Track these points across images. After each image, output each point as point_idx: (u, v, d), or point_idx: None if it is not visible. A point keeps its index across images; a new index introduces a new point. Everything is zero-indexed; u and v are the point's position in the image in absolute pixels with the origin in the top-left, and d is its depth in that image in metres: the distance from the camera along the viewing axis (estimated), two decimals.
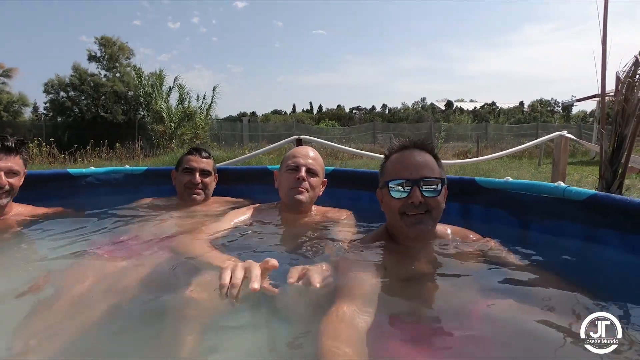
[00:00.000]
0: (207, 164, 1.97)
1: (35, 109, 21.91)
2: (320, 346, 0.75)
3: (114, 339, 0.89)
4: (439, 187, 1.15)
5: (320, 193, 1.69)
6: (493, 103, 47.89)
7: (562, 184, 1.37)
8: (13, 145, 1.58)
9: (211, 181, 2.00)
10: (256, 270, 0.87)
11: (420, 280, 1.12)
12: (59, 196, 2.08)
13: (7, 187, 1.56)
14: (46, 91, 18.06)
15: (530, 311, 0.95)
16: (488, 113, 39.60)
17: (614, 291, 1.03)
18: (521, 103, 46.35)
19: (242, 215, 1.60)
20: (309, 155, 1.63)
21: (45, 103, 18.84)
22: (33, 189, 1.75)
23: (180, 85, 13.30)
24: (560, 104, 39.07)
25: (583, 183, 5.77)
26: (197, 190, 1.91)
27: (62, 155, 9.99)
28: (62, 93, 17.89)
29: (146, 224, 1.69)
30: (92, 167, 2.29)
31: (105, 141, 11.32)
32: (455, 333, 0.90)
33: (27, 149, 1.68)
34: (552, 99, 40.55)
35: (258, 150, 3.45)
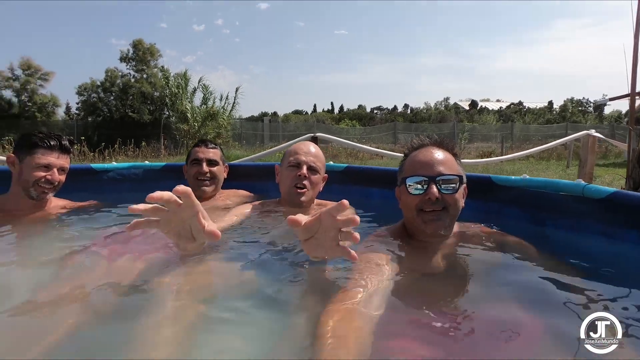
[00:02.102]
0: (213, 153, 2.00)
1: (68, 109, 22.97)
2: (320, 332, 0.74)
3: (95, 335, 0.88)
4: (457, 184, 1.15)
5: (321, 188, 1.70)
6: (520, 103, 46.37)
7: (582, 182, 1.31)
8: (67, 145, 1.72)
9: (219, 171, 2.01)
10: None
11: (435, 276, 1.11)
12: (82, 190, 2.15)
13: (56, 182, 1.67)
14: (79, 93, 18.91)
15: (536, 311, 0.93)
16: (514, 113, 38.36)
17: (631, 290, 1.00)
18: (550, 102, 44.57)
19: (244, 211, 1.62)
20: (311, 152, 1.64)
21: (77, 104, 19.74)
22: None
23: (204, 85, 13.59)
24: (592, 104, 37.36)
25: (615, 185, 5.51)
26: (206, 180, 1.94)
27: (92, 154, 10.42)
28: (93, 94, 18.67)
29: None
30: (114, 162, 2.38)
31: (132, 140, 11.74)
32: (466, 330, 0.89)
33: (74, 148, 1.81)
34: (583, 98, 38.81)
35: (274, 148, 3.48)
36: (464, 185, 1.19)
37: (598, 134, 3.21)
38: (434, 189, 1.11)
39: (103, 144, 10.75)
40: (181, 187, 0.78)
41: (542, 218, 1.45)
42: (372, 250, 1.14)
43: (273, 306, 0.97)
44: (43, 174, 1.63)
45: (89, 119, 18.60)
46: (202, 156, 1.96)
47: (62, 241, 1.54)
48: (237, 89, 13.81)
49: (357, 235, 0.80)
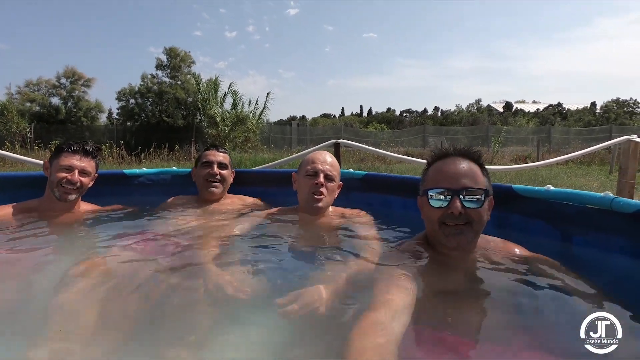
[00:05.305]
0: (223, 157, 2.08)
1: (110, 114, 24.26)
2: (348, 349, 0.77)
3: (109, 334, 0.94)
4: (482, 198, 1.10)
5: (336, 196, 1.76)
6: (559, 104, 44.15)
7: (610, 194, 1.24)
8: (91, 150, 1.84)
9: (228, 175, 2.08)
10: None
11: (457, 291, 1.09)
12: (115, 194, 2.28)
13: (78, 184, 1.77)
14: (118, 99, 19.98)
15: (552, 330, 0.90)
16: (552, 115, 36.55)
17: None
18: (593, 104, 42.05)
19: (262, 218, 1.71)
20: (327, 161, 1.71)
21: (117, 109, 20.85)
22: (93, 187, 1.91)
23: (234, 91, 13.96)
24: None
25: None
26: (216, 182, 2.01)
27: (130, 157, 10.97)
28: (131, 100, 19.65)
29: (165, 223, 1.80)
30: (144, 168, 2.49)
31: (166, 144, 12.25)
32: (487, 346, 0.89)
33: (101, 154, 1.93)
34: (630, 98, 36.21)
35: (299, 154, 3.53)
36: (490, 198, 1.14)
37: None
38: (457, 203, 1.07)
39: (140, 147, 11.29)
40: None
41: (567, 232, 1.38)
42: (395, 265, 1.13)
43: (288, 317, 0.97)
44: (65, 174, 1.75)
45: (128, 124, 19.59)
46: (213, 159, 2.04)
47: (83, 241, 1.66)
48: (267, 95, 14.10)
49: None
